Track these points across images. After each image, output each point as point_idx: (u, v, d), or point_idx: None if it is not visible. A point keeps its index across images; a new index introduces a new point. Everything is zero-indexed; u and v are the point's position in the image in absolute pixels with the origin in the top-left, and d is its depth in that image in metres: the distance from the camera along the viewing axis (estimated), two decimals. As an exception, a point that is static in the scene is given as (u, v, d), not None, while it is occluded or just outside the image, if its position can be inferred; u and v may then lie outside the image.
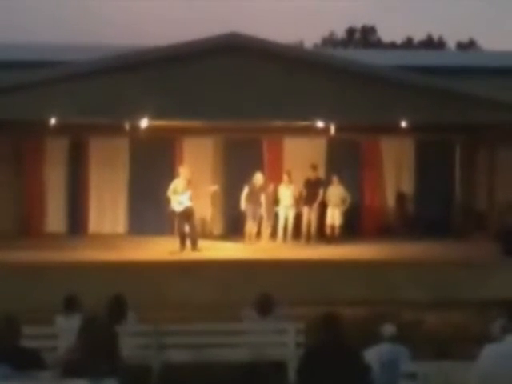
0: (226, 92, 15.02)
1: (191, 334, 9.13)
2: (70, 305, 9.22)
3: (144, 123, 15.63)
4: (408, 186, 19.95)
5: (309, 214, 17.80)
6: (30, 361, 6.15)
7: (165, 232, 17.71)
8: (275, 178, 18.11)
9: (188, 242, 16.21)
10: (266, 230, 17.73)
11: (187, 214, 16.26)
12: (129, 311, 8.80)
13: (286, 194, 17.83)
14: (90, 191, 19.41)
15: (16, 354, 6.10)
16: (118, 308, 8.52)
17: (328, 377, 6.21)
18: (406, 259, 15.33)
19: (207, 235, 18.45)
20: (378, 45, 57.57)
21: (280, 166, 19.15)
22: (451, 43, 58.61)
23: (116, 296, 8.66)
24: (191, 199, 16.27)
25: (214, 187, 17.52)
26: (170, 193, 16.20)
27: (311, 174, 17.96)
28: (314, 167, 18.12)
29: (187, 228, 16.30)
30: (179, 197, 16.12)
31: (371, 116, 15.49)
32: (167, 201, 16.37)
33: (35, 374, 5.99)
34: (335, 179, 17.78)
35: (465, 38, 59.44)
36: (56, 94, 14.74)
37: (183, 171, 16.55)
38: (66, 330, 8.50)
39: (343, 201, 17.70)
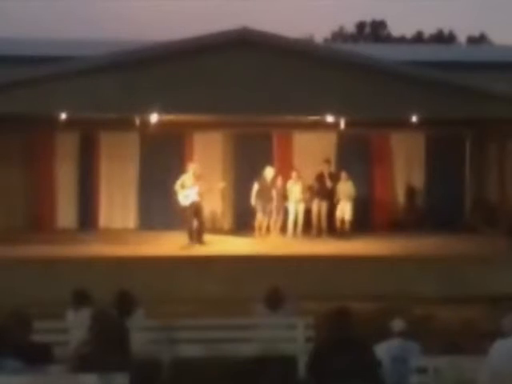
0: (236, 87, 14.99)
1: (201, 329, 9.14)
2: (80, 299, 9.22)
3: (154, 118, 15.65)
4: (418, 181, 19.90)
5: (319, 207, 17.81)
6: (41, 355, 6.18)
7: (175, 227, 17.70)
8: (285, 172, 18.10)
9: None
10: (276, 225, 17.74)
11: (195, 209, 16.34)
12: (137, 307, 8.78)
13: (295, 189, 17.83)
14: (100, 186, 19.44)
15: (27, 348, 6.13)
16: (124, 304, 8.50)
17: (338, 372, 6.20)
18: (417, 254, 15.31)
19: (217, 230, 18.46)
20: (388, 39, 57.43)
21: (290, 161, 19.15)
22: (462, 37, 58.50)
23: (122, 292, 8.65)
24: (199, 194, 16.34)
25: (222, 184, 17.50)
26: (177, 187, 16.27)
27: (324, 168, 17.94)
28: (328, 161, 18.12)
29: (195, 222, 16.39)
30: (186, 191, 16.18)
31: (381, 111, 15.45)
32: (175, 195, 16.42)
33: (46, 368, 6.02)
34: (344, 175, 17.78)
35: (475, 32, 59.32)
36: (66, 88, 14.76)
37: (192, 167, 16.62)
38: (76, 324, 8.53)
39: (350, 195, 17.67)
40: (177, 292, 13.54)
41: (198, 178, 16.42)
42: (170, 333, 8.67)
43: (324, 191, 17.73)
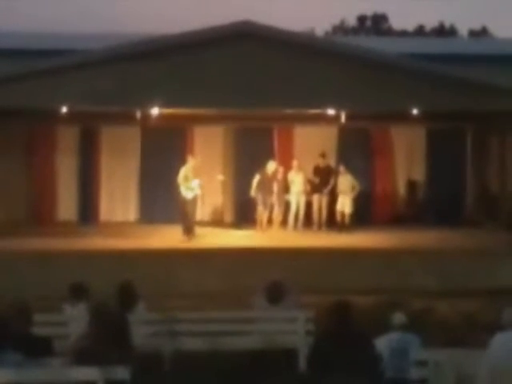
0: (236, 80, 14.99)
1: (202, 322, 9.16)
2: (77, 292, 9.20)
3: (155, 111, 15.64)
4: (419, 174, 19.89)
5: (319, 201, 17.83)
6: (42, 348, 6.18)
7: (175, 220, 17.68)
8: (285, 166, 18.09)
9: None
10: (277, 218, 17.74)
11: (194, 202, 16.34)
12: (139, 300, 8.78)
13: (297, 180, 17.85)
14: (101, 179, 19.43)
15: (27, 341, 6.14)
16: (127, 296, 8.50)
17: (338, 365, 6.21)
18: (417, 247, 15.31)
19: (218, 223, 18.46)
20: (389, 32, 57.33)
21: (290, 155, 19.11)
22: (463, 31, 58.38)
23: (125, 284, 8.64)
24: (199, 187, 16.35)
25: (221, 177, 17.49)
26: (180, 180, 16.23)
27: (320, 162, 17.97)
28: (323, 155, 18.13)
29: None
30: (190, 184, 16.16)
31: (382, 104, 15.44)
32: (177, 187, 16.39)
33: (46, 362, 6.02)
34: (342, 169, 17.79)
35: (477, 26, 59.20)
36: (67, 82, 14.75)
37: (192, 159, 16.60)
38: (73, 317, 8.54)
39: (352, 188, 17.66)
40: (178, 285, 13.55)
41: (196, 171, 16.42)
42: (171, 326, 8.68)
43: (321, 185, 17.75)
